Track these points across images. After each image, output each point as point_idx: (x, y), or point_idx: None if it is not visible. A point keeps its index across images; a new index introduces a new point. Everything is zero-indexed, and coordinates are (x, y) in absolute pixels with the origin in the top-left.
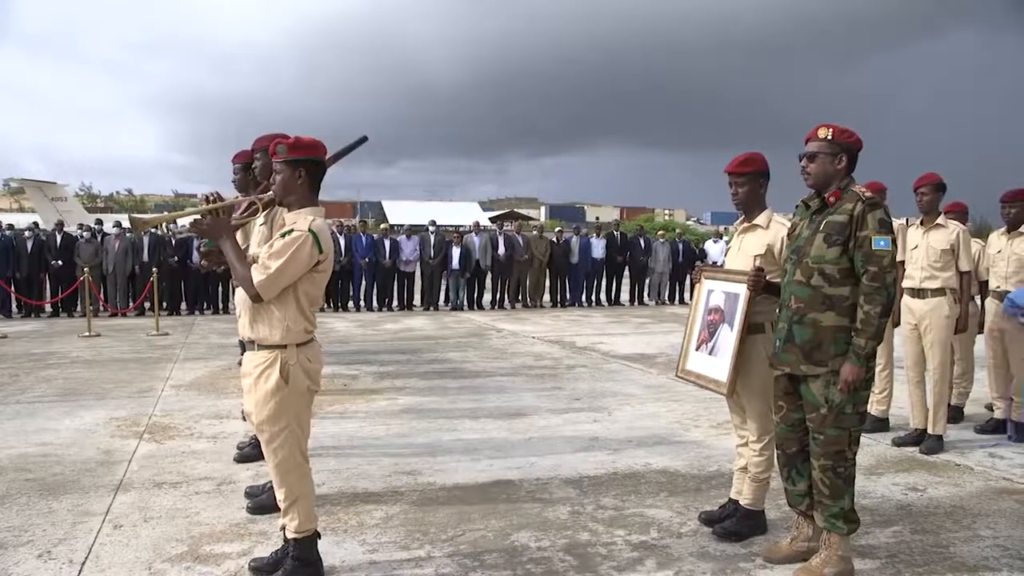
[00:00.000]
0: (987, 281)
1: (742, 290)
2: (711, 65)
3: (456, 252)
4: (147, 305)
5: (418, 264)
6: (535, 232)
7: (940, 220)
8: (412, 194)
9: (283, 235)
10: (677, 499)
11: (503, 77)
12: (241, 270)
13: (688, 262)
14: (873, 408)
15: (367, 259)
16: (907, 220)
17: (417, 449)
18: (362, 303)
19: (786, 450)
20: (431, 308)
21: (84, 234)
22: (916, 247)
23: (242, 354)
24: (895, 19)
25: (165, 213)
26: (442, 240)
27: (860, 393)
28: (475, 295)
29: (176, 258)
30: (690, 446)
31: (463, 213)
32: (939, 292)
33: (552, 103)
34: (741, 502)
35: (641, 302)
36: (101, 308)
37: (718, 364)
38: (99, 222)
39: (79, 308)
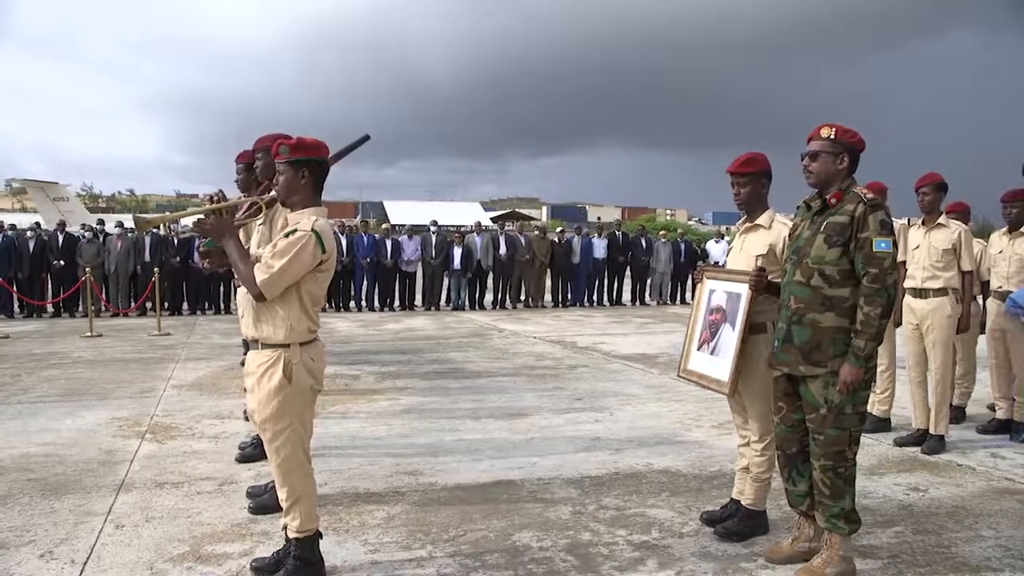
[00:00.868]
0: (989, 281)
1: (744, 290)
2: (712, 64)
3: (458, 252)
4: (149, 305)
5: (420, 264)
6: (537, 232)
7: (942, 220)
8: (413, 194)
9: (286, 235)
10: (679, 499)
11: (503, 77)
12: (244, 269)
13: (690, 262)
14: (875, 408)
15: (369, 259)
16: (908, 220)
17: (419, 449)
18: (364, 303)
19: (786, 450)
20: (432, 308)
21: (86, 234)
22: (918, 247)
23: (245, 353)
24: (895, 18)
25: (168, 213)
26: (444, 240)
27: (860, 393)
28: (477, 295)
29: (178, 258)
30: (692, 446)
31: (464, 213)
32: (941, 292)
33: (552, 103)
34: (743, 502)
35: (643, 302)
36: (103, 308)
37: (720, 364)
38: (101, 222)
39: (81, 308)
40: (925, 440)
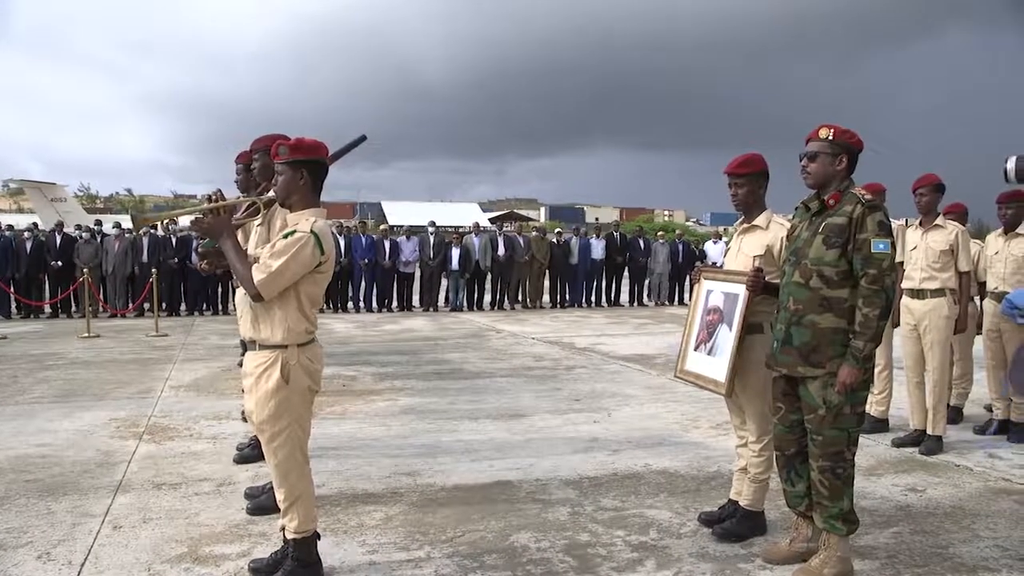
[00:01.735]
0: (985, 282)
1: (741, 290)
2: (710, 65)
3: (456, 253)
4: (147, 306)
5: (418, 265)
6: (535, 233)
7: (939, 221)
8: (410, 195)
9: (285, 236)
10: (677, 500)
11: (499, 77)
12: (242, 269)
13: (688, 263)
14: (873, 409)
15: (367, 260)
16: (906, 221)
17: (417, 450)
18: (362, 304)
19: (785, 451)
20: (431, 309)
21: (84, 235)
22: (915, 248)
23: (243, 354)
24: (894, 18)
25: (166, 211)
26: (442, 241)
27: (858, 394)
28: (475, 296)
29: (176, 259)
30: (690, 447)
31: (463, 214)
32: (939, 293)
33: (549, 103)
34: (741, 503)
35: (641, 303)
36: (100, 309)
37: (717, 364)
38: (99, 223)
39: (78, 309)
40: (923, 441)
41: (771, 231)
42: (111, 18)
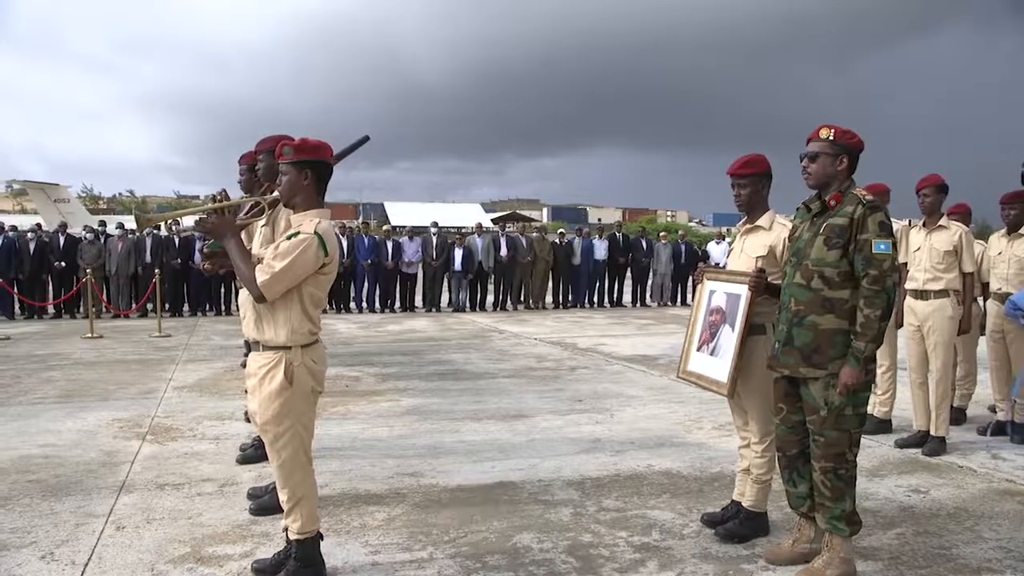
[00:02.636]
0: (988, 283)
1: (743, 291)
2: (711, 65)
3: (458, 253)
4: (150, 306)
5: (420, 265)
6: (537, 233)
7: (943, 222)
8: (411, 195)
9: (289, 237)
10: (679, 501)
11: (499, 77)
12: (245, 270)
13: (690, 263)
14: (876, 410)
15: (369, 260)
16: (909, 221)
17: (419, 450)
18: (364, 304)
19: (787, 452)
20: (433, 310)
21: (87, 235)
22: (919, 249)
23: (246, 355)
24: (894, 16)
25: (170, 211)
26: (444, 241)
27: (860, 395)
28: (477, 297)
29: (179, 260)
30: (692, 448)
31: (465, 214)
32: (942, 294)
33: (550, 104)
34: (743, 504)
35: (643, 303)
36: (104, 309)
37: (719, 365)
38: (102, 223)
39: (82, 309)
40: (926, 442)
41: (774, 232)
42: (112, 18)
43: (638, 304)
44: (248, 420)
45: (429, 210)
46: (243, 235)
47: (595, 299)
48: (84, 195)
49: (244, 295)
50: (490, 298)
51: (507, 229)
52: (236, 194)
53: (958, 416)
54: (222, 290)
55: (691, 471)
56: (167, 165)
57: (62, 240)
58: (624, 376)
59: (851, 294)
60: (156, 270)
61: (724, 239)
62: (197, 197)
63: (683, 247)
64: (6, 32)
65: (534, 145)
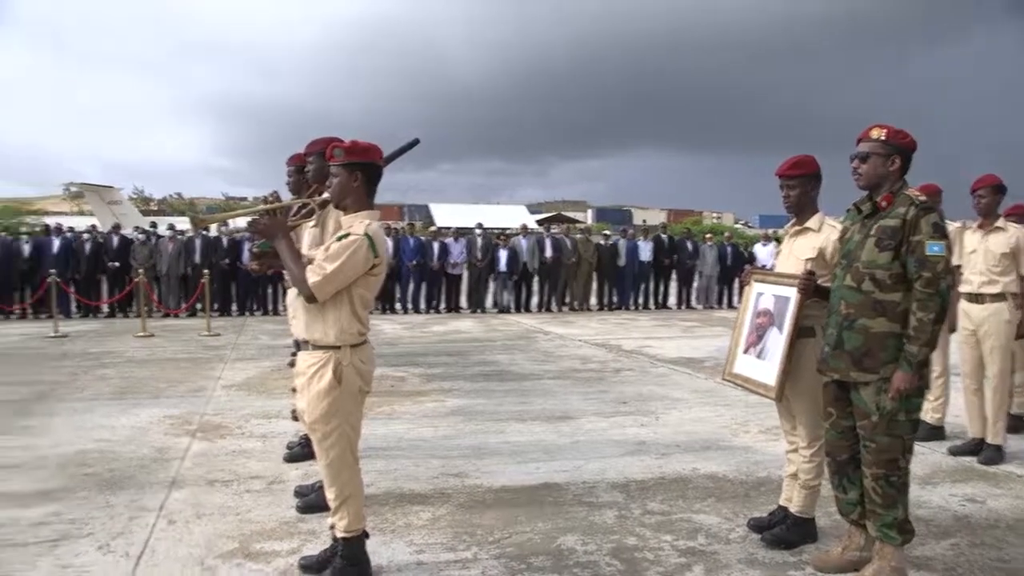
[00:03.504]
0: None
1: (792, 293)
2: (760, 64)
3: (503, 254)
4: (199, 306)
5: (465, 266)
6: (582, 235)
7: (999, 223)
8: (454, 197)
9: (339, 238)
10: (725, 505)
11: (540, 79)
12: (296, 271)
13: (736, 265)
14: (928, 416)
15: (415, 261)
16: (964, 223)
17: (464, 451)
18: (410, 305)
19: (836, 457)
20: (478, 310)
21: (139, 236)
22: (974, 251)
23: (293, 354)
24: (947, 12)
25: (223, 213)
26: (489, 243)
27: (913, 400)
28: (522, 298)
29: (227, 260)
30: (738, 451)
31: (510, 216)
32: (999, 297)
33: (593, 106)
34: (791, 509)
35: (688, 306)
36: (155, 309)
37: (766, 368)
38: (153, 224)
39: (134, 309)
40: (981, 450)
41: (823, 233)
42: (163, 25)
43: (683, 306)
44: (295, 419)
45: (474, 211)
46: (292, 236)
47: (640, 301)
48: (136, 196)
49: (292, 295)
50: (535, 299)
51: (552, 230)
52: (285, 196)
53: (1016, 424)
54: (269, 290)
55: (737, 475)
56: (216, 167)
57: (116, 241)
58: (669, 378)
59: (903, 297)
60: (205, 270)
61: (771, 240)
62: (245, 199)
63: (729, 249)
64: (62, 40)
65: (578, 147)
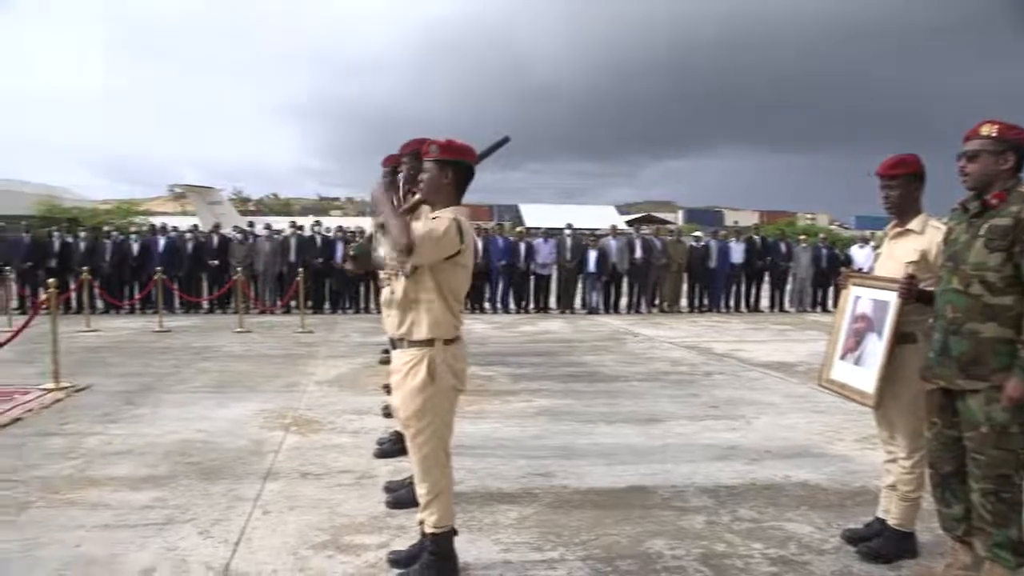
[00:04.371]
0: None
1: (892, 298)
2: (855, 58)
3: (593, 255)
4: (293, 303)
5: (554, 267)
6: (672, 236)
7: None
8: (542, 197)
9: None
10: (818, 514)
11: (624, 78)
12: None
13: (831, 268)
14: None
15: (504, 262)
16: None
17: (552, 451)
18: (499, 305)
19: (939, 470)
20: (567, 311)
21: (237, 236)
22: None
23: (384, 352)
24: None
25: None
26: (579, 243)
27: None
28: (611, 299)
29: (321, 259)
30: (833, 459)
31: (599, 216)
32: None
33: (682, 104)
34: (889, 521)
35: (781, 309)
36: (252, 306)
37: (864, 374)
38: (251, 224)
39: (232, 305)
40: None
41: (927, 235)
42: (258, 32)
43: (776, 309)
44: (386, 415)
45: (564, 211)
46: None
47: (731, 303)
48: (235, 197)
49: (386, 293)
50: (624, 300)
51: (642, 231)
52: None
53: None
54: (361, 289)
55: (831, 484)
56: (309, 168)
57: (215, 240)
58: (761, 383)
59: (1016, 300)
60: (300, 269)
61: (868, 243)
62: (337, 199)
63: (824, 251)
64: (169, 54)
65: (668, 147)
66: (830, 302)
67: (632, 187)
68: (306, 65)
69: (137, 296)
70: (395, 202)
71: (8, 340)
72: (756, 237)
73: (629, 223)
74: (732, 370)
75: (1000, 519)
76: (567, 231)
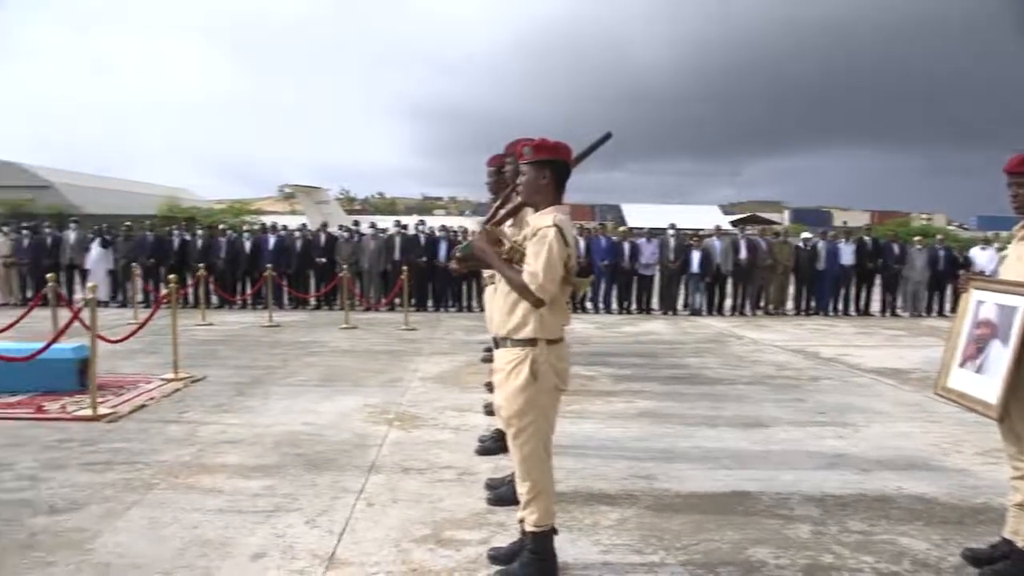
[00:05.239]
0: None
1: (1020, 303)
2: (972, 50)
3: (696, 256)
4: (397, 301)
5: (657, 267)
6: (778, 236)
7: None
8: (644, 197)
9: (532, 237)
10: (935, 530)
11: (725, 77)
12: (515, 278)
13: (949, 271)
14: None
15: (606, 261)
16: None
17: (653, 454)
18: (601, 305)
19: None
20: (670, 312)
21: (343, 234)
22: None
23: (487, 351)
24: None
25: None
26: (682, 243)
27: None
28: (715, 300)
29: (424, 257)
30: (951, 473)
31: (702, 216)
32: None
33: (786, 102)
34: (1017, 543)
35: (893, 313)
36: (357, 302)
37: (987, 384)
38: (356, 223)
39: (338, 302)
40: None
41: None
42: (365, 36)
43: (887, 313)
44: (488, 413)
45: (666, 211)
46: (511, 228)
47: (839, 307)
48: (342, 197)
49: (489, 292)
50: (728, 302)
51: (747, 231)
52: (485, 196)
53: None
54: (464, 287)
55: (949, 499)
56: (413, 168)
57: (323, 238)
58: (871, 389)
59: None
60: (404, 267)
61: (990, 244)
62: (440, 198)
63: (941, 253)
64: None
65: (771, 145)
66: (947, 307)
67: (736, 186)
68: (412, 66)
69: (249, 292)
70: (502, 204)
71: (134, 332)
72: (867, 238)
73: (733, 223)
74: (840, 375)
75: None
76: (670, 231)
